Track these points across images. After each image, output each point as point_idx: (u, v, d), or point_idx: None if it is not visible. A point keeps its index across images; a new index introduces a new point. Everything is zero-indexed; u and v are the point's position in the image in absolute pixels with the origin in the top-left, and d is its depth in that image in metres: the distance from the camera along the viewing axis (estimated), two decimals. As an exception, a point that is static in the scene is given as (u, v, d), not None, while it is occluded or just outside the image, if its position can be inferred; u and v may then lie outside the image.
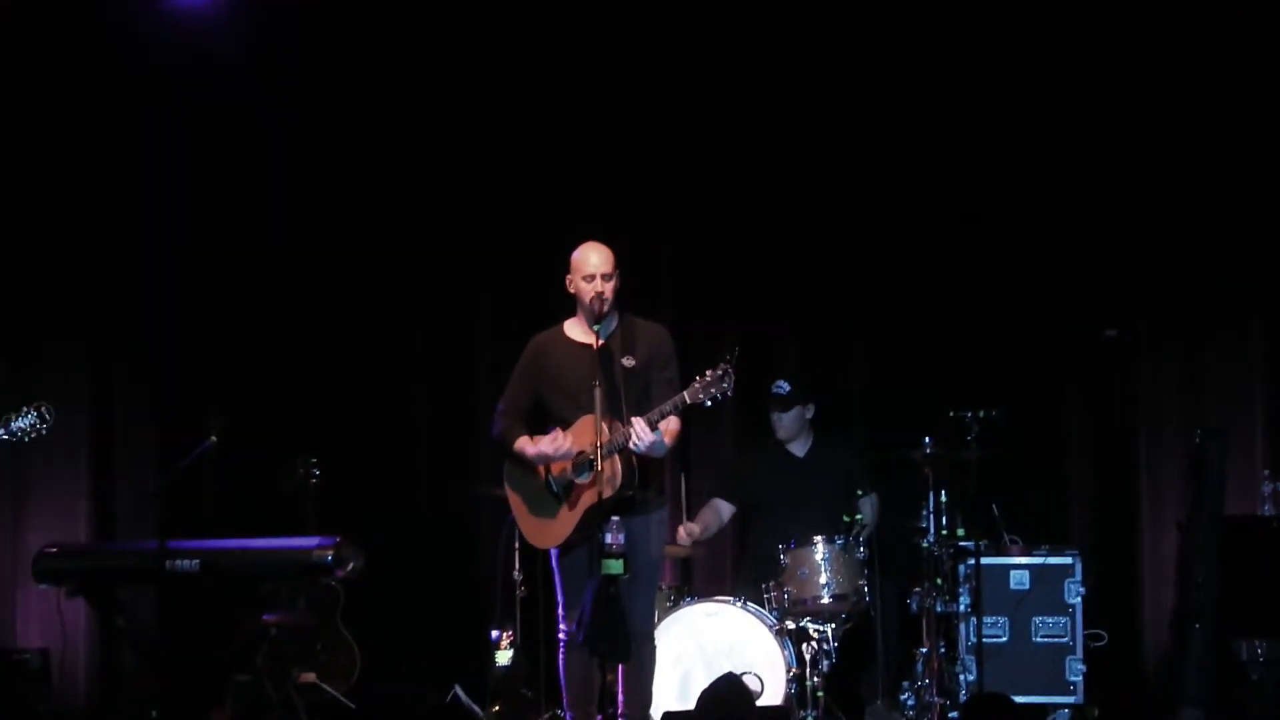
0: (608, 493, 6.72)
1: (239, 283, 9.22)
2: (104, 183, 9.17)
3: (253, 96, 9.04)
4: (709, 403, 6.75)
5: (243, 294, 9.23)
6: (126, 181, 9.17)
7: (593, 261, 6.95)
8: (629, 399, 6.87)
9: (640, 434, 6.72)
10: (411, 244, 9.33)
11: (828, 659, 7.92)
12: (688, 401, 6.75)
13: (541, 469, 7.02)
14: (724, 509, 8.61)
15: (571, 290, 7.02)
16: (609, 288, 6.93)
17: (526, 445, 7.00)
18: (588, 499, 6.85)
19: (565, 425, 6.98)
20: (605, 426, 6.74)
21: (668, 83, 9.13)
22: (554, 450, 6.92)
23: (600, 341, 6.89)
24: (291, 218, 9.22)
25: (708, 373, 6.73)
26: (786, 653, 7.82)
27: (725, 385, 6.68)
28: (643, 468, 6.90)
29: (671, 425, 6.87)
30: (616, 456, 6.79)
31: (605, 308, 6.90)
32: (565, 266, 7.07)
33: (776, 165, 9.20)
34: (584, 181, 9.21)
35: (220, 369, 9.17)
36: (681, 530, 8.37)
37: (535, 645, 8.26)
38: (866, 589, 7.97)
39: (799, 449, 8.54)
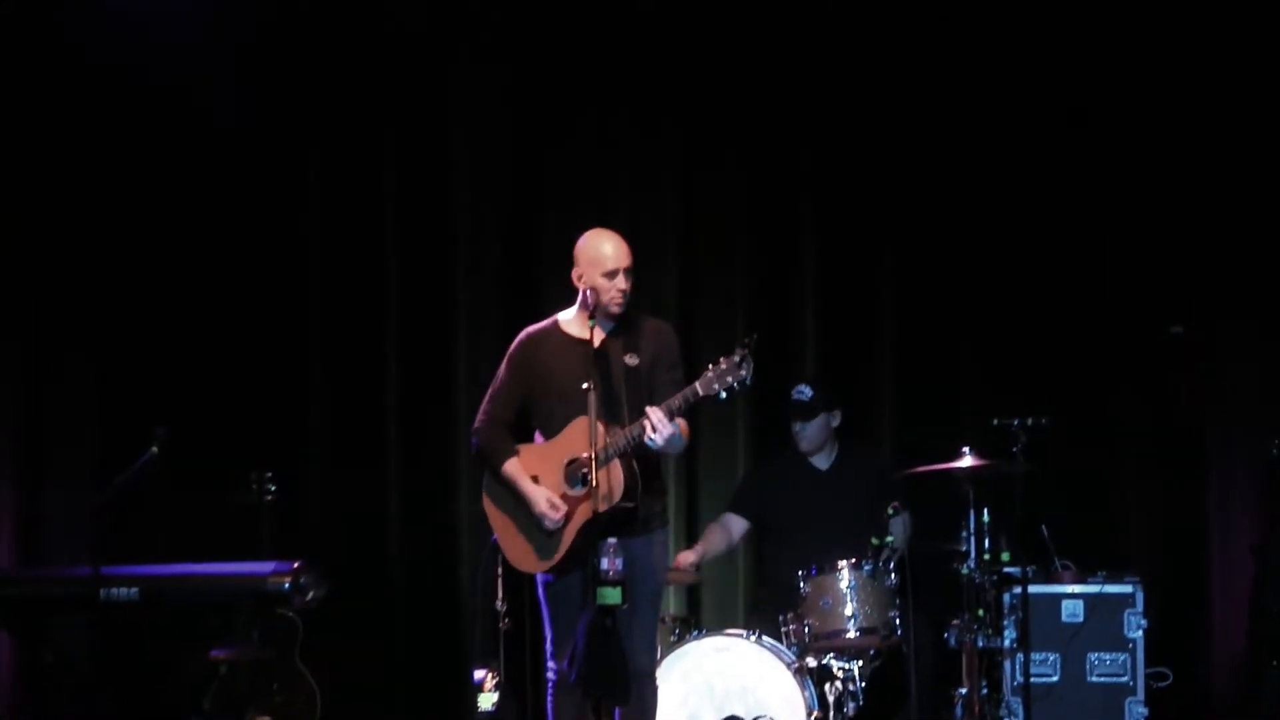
0: (603, 507, 6.63)
1: (185, 276, 9.16)
2: (32, 167, 9.13)
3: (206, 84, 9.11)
4: (724, 394, 6.66)
5: (189, 289, 9.16)
6: (57, 164, 9.14)
7: (616, 255, 6.85)
8: (630, 402, 6.79)
9: (658, 424, 6.60)
10: (384, 230, 9.31)
11: (854, 701, 7.86)
12: (700, 393, 6.66)
13: (530, 479, 6.92)
14: (735, 525, 8.54)
15: (579, 285, 6.91)
16: (630, 284, 6.87)
17: (519, 475, 6.91)
18: (581, 514, 6.76)
19: (552, 433, 6.90)
20: (601, 429, 6.64)
21: (680, 46, 9.17)
22: (548, 510, 6.80)
23: (600, 337, 6.82)
24: (240, 199, 9.17)
25: (722, 360, 6.64)
26: (807, 694, 7.74)
27: (743, 373, 6.60)
28: (644, 476, 6.79)
29: (681, 424, 6.79)
30: (616, 463, 6.69)
31: (623, 308, 6.88)
32: (553, 251, 7.14)
33: (799, 139, 9.16)
34: (580, 161, 9.19)
35: (164, 372, 9.11)
36: (679, 558, 8.30)
37: (522, 685, 8.18)
38: (898, 621, 7.90)
39: (822, 461, 8.50)
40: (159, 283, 9.14)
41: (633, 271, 6.86)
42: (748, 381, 6.62)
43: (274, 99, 9.15)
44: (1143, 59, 8.87)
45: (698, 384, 6.65)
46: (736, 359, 6.59)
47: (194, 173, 9.15)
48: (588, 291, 6.84)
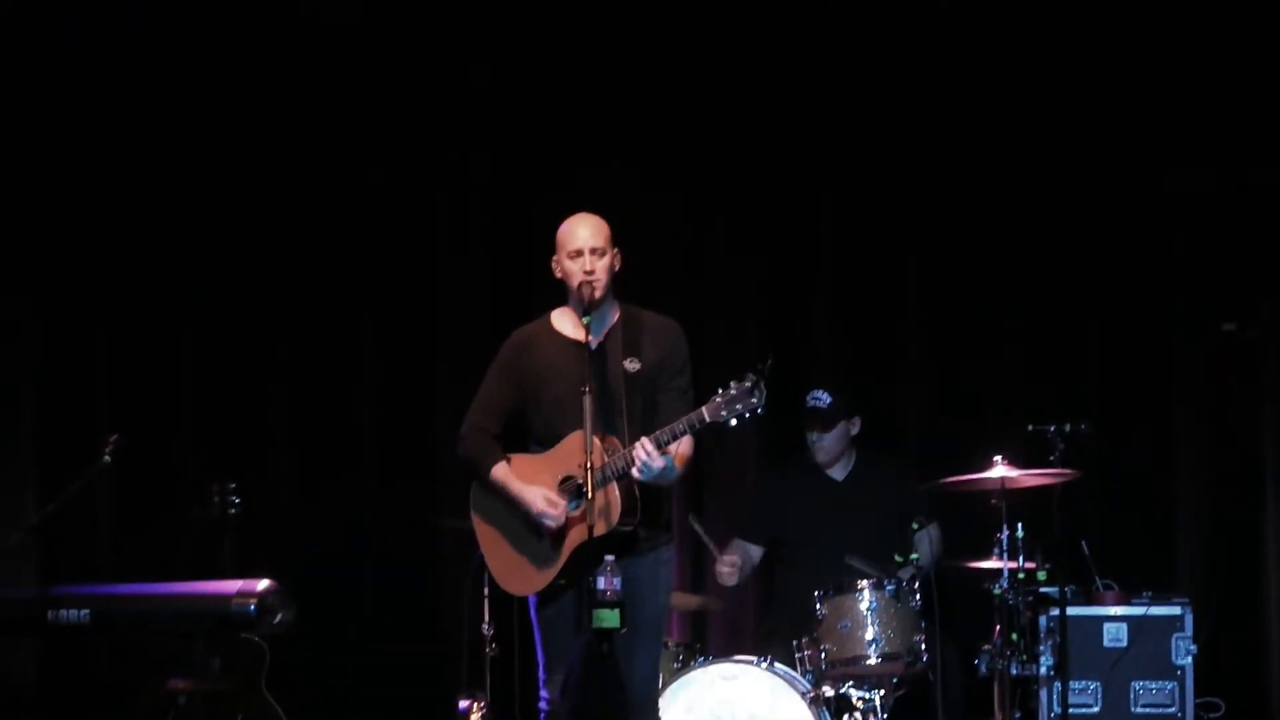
0: (600, 528, 6.54)
1: (137, 268, 9.13)
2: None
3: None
4: (734, 421, 6.51)
5: (142, 282, 9.14)
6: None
7: (580, 235, 6.76)
8: (631, 411, 6.68)
9: (646, 458, 6.49)
10: (358, 219, 9.28)
11: (875, 733, 7.82)
12: (707, 420, 6.52)
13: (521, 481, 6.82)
14: (752, 552, 8.52)
15: (559, 274, 6.84)
16: (601, 266, 6.73)
17: (508, 478, 6.79)
18: (576, 534, 6.63)
19: (547, 444, 6.77)
20: (598, 443, 6.53)
21: (692, 40, 9.17)
22: (546, 508, 6.68)
23: (597, 338, 6.73)
24: (198, 188, 9.17)
25: (733, 385, 6.48)
26: (824, 726, 7.72)
27: (754, 401, 6.47)
28: (645, 497, 6.66)
29: (683, 448, 6.68)
30: (615, 483, 6.57)
31: (598, 292, 6.71)
32: (540, 230, 6.97)
33: (814, 118, 9.15)
34: (576, 145, 9.17)
35: (115, 373, 9.13)
36: (722, 564, 8.30)
37: (511, 717, 8.12)
38: (923, 646, 7.84)
39: (839, 471, 8.47)
40: (106, 276, 9.13)
41: (604, 253, 6.74)
42: (760, 410, 6.47)
43: (256, 106, 9.19)
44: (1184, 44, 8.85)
45: (704, 409, 6.52)
46: (748, 384, 6.47)
47: (151, 167, 9.15)
48: (580, 288, 6.73)
